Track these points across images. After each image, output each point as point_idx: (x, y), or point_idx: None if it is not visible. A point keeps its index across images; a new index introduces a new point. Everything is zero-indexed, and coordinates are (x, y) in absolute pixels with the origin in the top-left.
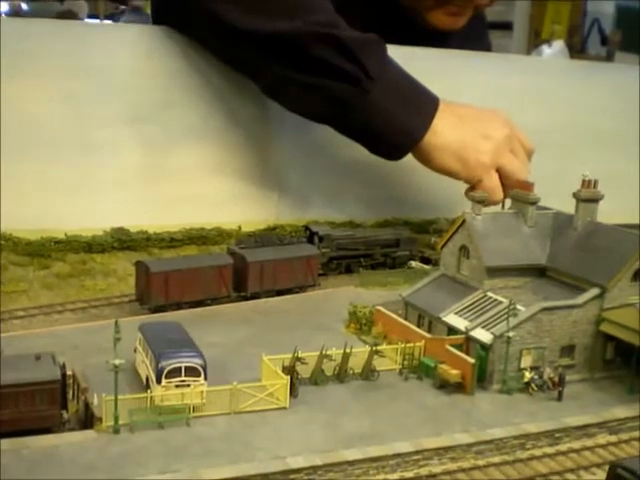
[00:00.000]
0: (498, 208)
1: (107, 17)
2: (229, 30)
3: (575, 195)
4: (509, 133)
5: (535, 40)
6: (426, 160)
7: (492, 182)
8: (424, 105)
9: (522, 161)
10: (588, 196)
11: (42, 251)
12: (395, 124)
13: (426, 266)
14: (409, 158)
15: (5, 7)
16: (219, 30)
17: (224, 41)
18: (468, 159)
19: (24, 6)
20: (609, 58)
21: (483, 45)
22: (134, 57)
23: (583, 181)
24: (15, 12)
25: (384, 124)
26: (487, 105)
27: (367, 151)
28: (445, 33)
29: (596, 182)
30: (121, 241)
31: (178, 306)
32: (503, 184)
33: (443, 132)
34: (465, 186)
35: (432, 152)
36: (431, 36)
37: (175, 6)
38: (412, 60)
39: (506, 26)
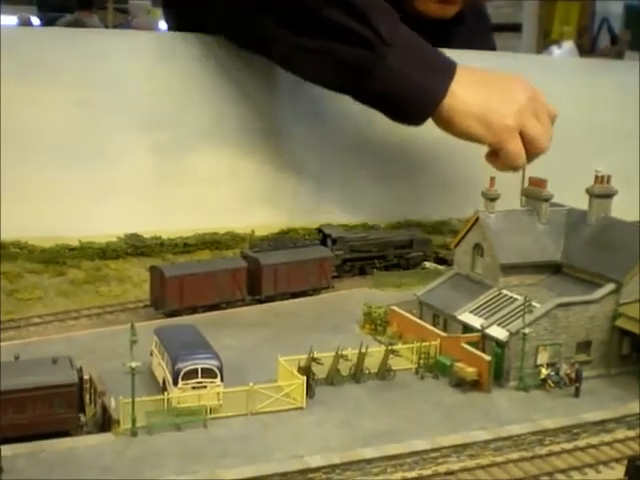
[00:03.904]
0: (516, 204)
1: (116, 27)
2: None
3: (588, 191)
4: (532, 95)
5: (544, 41)
6: (448, 125)
7: (517, 147)
8: (441, 67)
9: (545, 125)
10: (601, 192)
11: (57, 258)
12: (414, 87)
13: (440, 266)
14: (421, 160)
15: (14, 20)
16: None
17: (236, 10)
18: (492, 122)
19: (33, 19)
20: (619, 57)
21: (487, 45)
22: (146, 64)
23: (596, 177)
24: (24, 24)
25: (402, 89)
26: None
27: (379, 149)
28: (446, 32)
29: (609, 178)
30: (135, 247)
31: (193, 310)
32: (525, 149)
33: (464, 95)
34: (481, 178)
35: (454, 116)
36: (432, 34)
37: None
38: None
39: (515, 28)
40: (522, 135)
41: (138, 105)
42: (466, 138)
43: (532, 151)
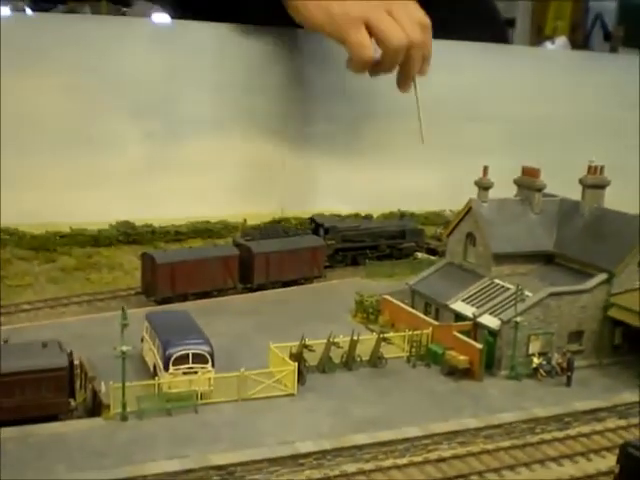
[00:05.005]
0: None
1: None
2: None
3: (581, 181)
4: None
5: (538, 36)
6: (295, 13)
7: (359, 37)
8: None
9: (400, 22)
10: (594, 182)
11: (47, 245)
12: None
13: (432, 257)
14: (414, 152)
15: (7, 11)
16: None
17: None
18: (334, 12)
19: (28, 10)
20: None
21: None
22: (140, 50)
23: (589, 167)
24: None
25: None
26: (486, 96)
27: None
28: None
29: (602, 168)
30: (127, 235)
31: (184, 297)
32: (378, 43)
33: None
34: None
35: (299, 5)
36: None
37: None
38: None
39: (509, 23)
40: (370, 30)
41: (131, 92)
42: (310, 28)
43: (382, 47)
